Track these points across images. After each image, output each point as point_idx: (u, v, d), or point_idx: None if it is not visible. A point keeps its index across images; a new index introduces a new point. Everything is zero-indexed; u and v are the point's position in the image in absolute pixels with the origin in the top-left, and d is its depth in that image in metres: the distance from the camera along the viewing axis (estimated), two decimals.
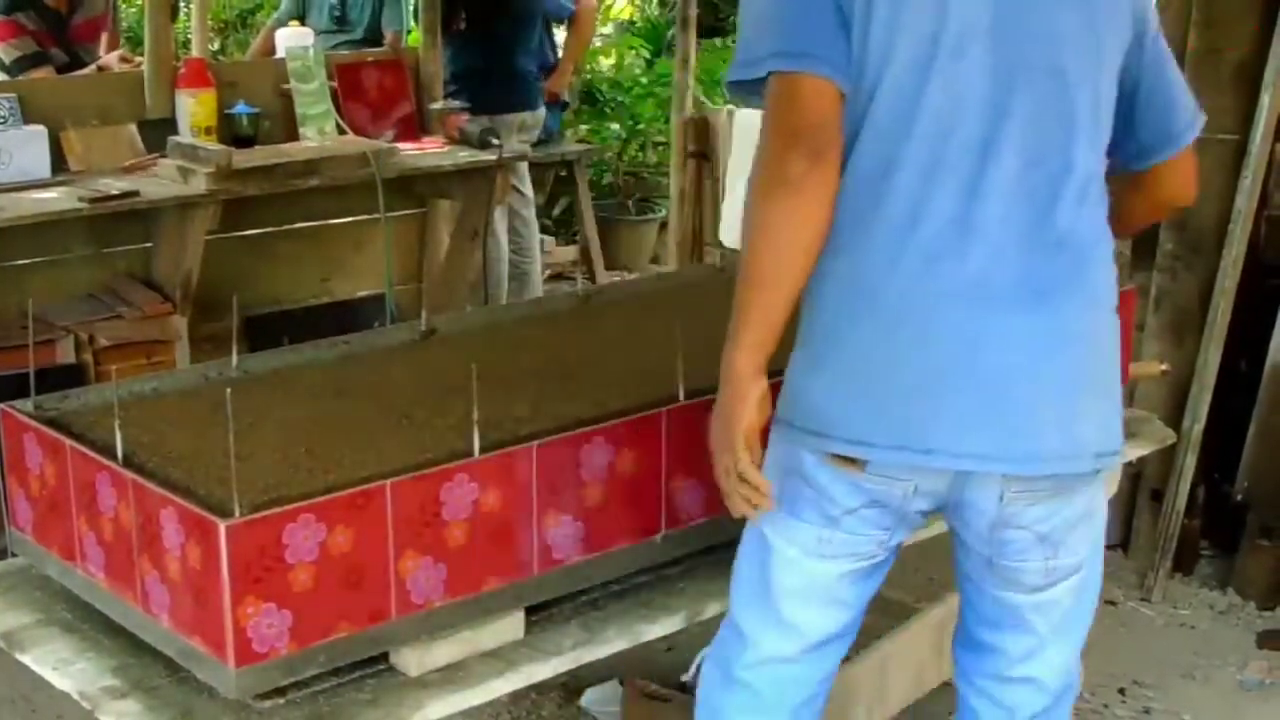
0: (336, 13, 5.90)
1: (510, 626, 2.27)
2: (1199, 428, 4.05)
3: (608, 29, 9.63)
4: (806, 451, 2.11)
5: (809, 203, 2.00)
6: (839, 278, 2.06)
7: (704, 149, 5.58)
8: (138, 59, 5.03)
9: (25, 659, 2.25)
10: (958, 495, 2.11)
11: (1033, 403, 2.04)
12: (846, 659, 2.40)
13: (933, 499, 2.13)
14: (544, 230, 6.93)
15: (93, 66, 5.26)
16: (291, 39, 5.00)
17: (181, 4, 7.84)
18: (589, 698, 3.42)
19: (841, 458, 2.08)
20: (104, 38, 5.48)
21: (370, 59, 5.18)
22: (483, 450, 2.18)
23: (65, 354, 4.15)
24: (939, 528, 2.82)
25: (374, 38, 5.83)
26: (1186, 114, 2.26)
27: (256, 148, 4.61)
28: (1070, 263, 2.06)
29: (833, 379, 2.08)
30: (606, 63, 8.93)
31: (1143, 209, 2.36)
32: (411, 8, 6.14)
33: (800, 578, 2.20)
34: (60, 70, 5.27)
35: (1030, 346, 2.03)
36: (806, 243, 2.01)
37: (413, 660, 2.17)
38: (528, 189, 6.13)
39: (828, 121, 2.02)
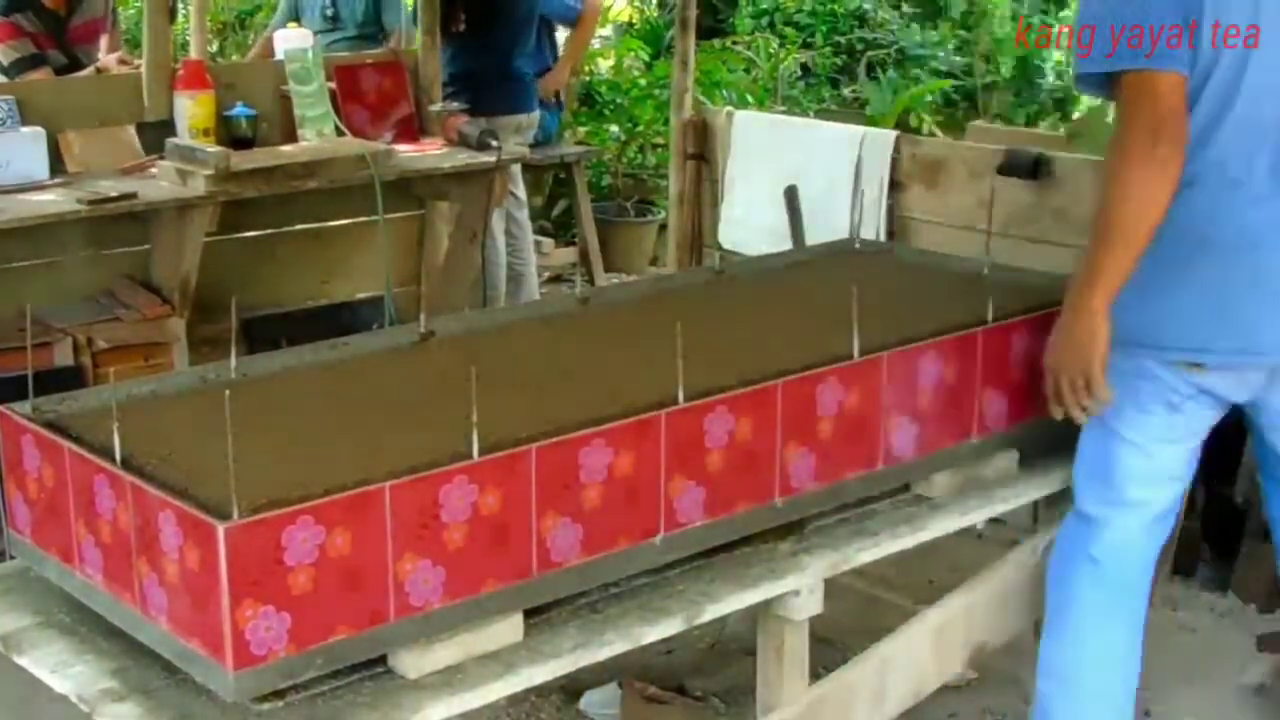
0: (329, 11, 5.90)
1: (509, 629, 2.27)
2: None
3: (607, 31, 9.63)
4: (1150, 360, 2.71)
5: (1168, 178, 2.51)
6: (1175, 225, 2.55)
7: (703, 151, 5.57)
8: (136, 61, 5.04)
9: (23, 661, 2.25)
10: (1266, 391, 2.71)
11: None
12: (845, 662, 2.41)
13: (1249, 391, 2.72)
14: (543, 232, 6.92)
15: (91, 68, 5.25)
16: (290, 40, 5.00)
17: (180, 6, 7.83)
18: (588, 700, 3.42)
19: (1185, 363, 2.68)
20: (103, 40, 5.48)
21: (369, 61, 5.18)
22: (482, 452, 2.17)
23: (63, 356, 4.15)
24: (938, 530, 2.82)
25: (366, 34, 5.84)
26: None
27: (255, 149, 4.61)
28: None
29: (1173, 304, 2.65)
30: (605, 64, 8.93)
31: None
32: (411, 7, 6.14)
33: (1146, 461, 2.80)
34: (58, 72, 5.27)
35: None
36: (1161, 208, 2.53)
37: (411, 663, 2.17)
38: (522, 191, 6.13)
39: (1181, 111, 2.54)
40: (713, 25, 9.45)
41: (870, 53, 9.56)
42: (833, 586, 2.68)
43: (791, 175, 4.95)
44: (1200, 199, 2.59)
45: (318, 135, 4.77)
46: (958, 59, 9.63)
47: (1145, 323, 2.68)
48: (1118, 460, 2.81)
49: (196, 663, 2.05)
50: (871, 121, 8.23)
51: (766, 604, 2.58)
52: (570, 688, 3.44)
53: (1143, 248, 2.56)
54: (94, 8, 5.54)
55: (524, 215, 6.15)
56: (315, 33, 5.51)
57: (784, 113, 7.48)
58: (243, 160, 4.34)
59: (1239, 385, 2.72)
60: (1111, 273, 2.58)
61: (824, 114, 8.44)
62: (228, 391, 2.10)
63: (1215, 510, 4.21)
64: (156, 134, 4.56)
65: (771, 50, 9.19)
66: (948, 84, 9.34)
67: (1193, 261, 2.62)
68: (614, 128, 7.91)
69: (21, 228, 4.03)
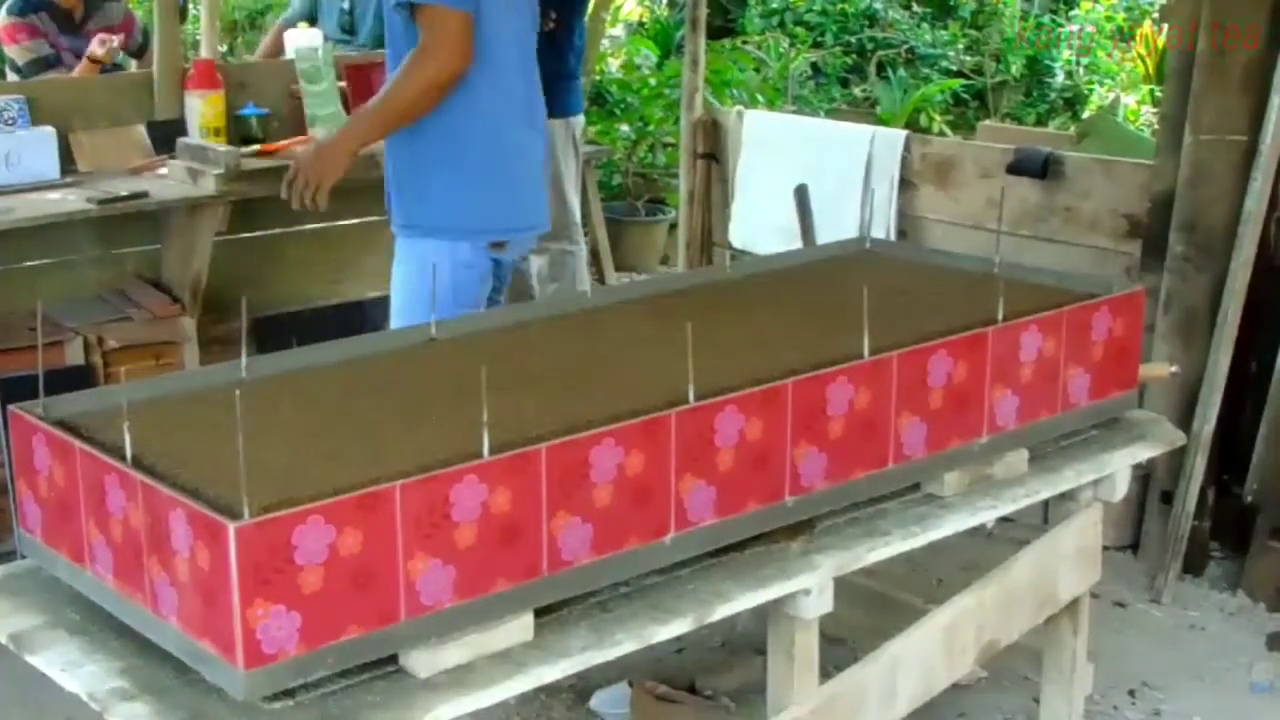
0: (346, 18, 5.90)
1: (519, 628, 2.27)
2: (1209, 429, 4.05)
3: (617, 30, 9.63)
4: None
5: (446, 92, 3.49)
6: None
7: (713, 150, 5.58)
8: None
9: (34, 660, 2.25)
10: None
11: None
12: (856, 661, 2.41)
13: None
14: None
15: (84, 60, 5.28)
16: (300, 40, 5.00)
17: (190, 5, 7.86)
18: (598, 700, 3.42)
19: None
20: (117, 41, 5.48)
21: (379, 60, 5.17)
22: (492, 451, 2.17)
23: (74, 355, 4.16)
24: (948, 530, 2.82)
25: (381, 45, 5.84)
26: None
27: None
28: None
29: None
30: (615, 64, 8.93)
31: None
32: None
33: None
34: None
35: None
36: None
37: (422, 662, 2.17)
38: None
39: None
40: (723, 25, 9.45)
41: (880, 52, 9.56)
42: (843, 585, 2.68)
43: (802, 174, 4.95)
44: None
45: (328, 134, 4.76)
46: (968, 58, 9.63)
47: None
48: None
49: (207, 662, 2.05)
50: (882, 121, 8.23)
51: (777, 603, 2.58)
52: (580, 687, 3.44)
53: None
54: (110, 16, 5.55)
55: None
56: (331, 40, 5.51)
57: (794, 112, 7.49)
58: (253, 160, 4.35)
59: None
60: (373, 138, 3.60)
61: (834, 113, 8.45)
62: (238, 391, 2.10)
63: (1225, 509, 4.21)
64: (167, 133, 4.57)
65: (782, 50, 9.19)
66: (958, 83, 9.34)
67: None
68: (624, 127, 7.91)
69: (32, 227, 4.04)
